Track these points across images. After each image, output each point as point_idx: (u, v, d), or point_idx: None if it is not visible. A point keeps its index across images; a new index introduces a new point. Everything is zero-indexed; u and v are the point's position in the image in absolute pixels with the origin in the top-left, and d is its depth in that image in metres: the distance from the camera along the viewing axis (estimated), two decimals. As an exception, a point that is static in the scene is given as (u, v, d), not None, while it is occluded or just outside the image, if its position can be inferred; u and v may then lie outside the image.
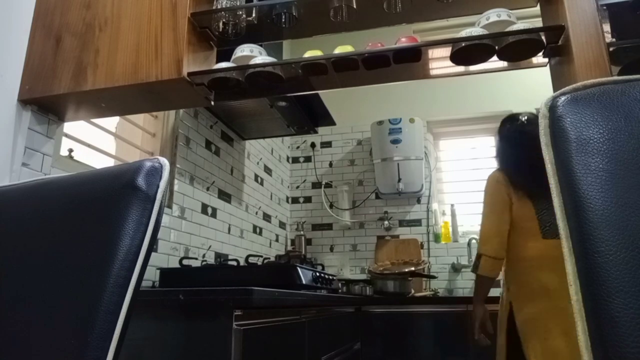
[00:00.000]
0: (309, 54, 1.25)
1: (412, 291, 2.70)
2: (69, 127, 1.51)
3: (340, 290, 2.47)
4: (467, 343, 2.36)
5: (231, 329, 1.10)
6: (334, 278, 2.13)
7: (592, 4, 1.02)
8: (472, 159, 3.41)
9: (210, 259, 2.21)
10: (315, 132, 2.73)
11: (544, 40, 1.10)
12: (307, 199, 3.50)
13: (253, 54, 1.25)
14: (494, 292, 3.01)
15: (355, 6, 1.22)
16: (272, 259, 2.09)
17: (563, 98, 0.49)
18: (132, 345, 1.16)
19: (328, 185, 3.48)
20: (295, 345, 1.53)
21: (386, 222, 3.25)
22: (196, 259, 2.04)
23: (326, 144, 3.57)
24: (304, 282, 1.65)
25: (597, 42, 0.99)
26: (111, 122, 1.84)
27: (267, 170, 3.09)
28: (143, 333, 1.16)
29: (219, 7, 1.25)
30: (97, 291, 0.55)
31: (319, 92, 1.53)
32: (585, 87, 0.48)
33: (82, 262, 0.60)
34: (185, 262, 1.85)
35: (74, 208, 0.66)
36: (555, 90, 1.08)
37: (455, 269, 3.09)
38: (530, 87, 3.03)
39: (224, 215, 2.40)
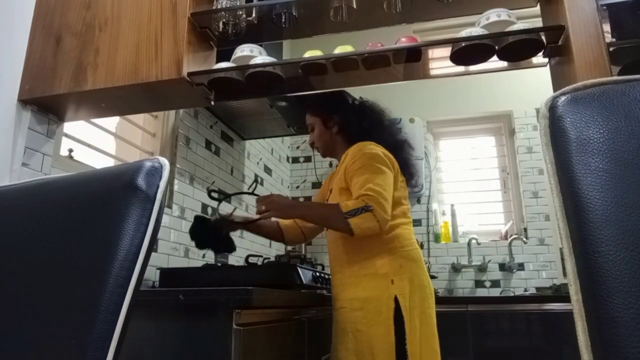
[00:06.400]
0: (309, 54, 1.25)
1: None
2: (69, 127, 1.51)
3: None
4: (467, 343, 2.37)
5: (231, 329, 1.10)
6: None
7: (592, 4, 1.02)
8: (472, 159, 3.41)
9: (211, 259, 2.21)
10: (316, 132, 2.72)
11: (544, 40, 1.10)
12: (307, 199, 3.50)
13: (253, 54, 1.25)
14: (495, 292, 3.03)
15: (355, 6, 1.22)
16: (272, 259, 2.09)
17: (563, 98, 0.49)
18: (132, 345, 1.16)
19: (328, 185, 3.48)
20: (295, 345, 1.53)
21: (386, 222, 3.25)
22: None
23: (326, 144, 3.56)
24: (304, 282, 1.65)
25: (597, 42, 0.99)
26: (111, 122, 1.84)
27: (267, 170, 3.09)
28: (143, 333, 1.16)
29: (219, 7, 1.25)
30: (97, 291, 0.55)
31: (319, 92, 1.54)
32: (586, 87, 0.48)
33: (82, 262, 0.60)
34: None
35: (74, 208, 0.66)
36: (555, 90, 1.08)
37: (455, 269, 3.09)
38: (530, 87, 3.04)
39: (224, 215, 2.40)
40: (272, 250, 2.96)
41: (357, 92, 1.73)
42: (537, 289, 2.83)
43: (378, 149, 1.56)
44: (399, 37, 1.23)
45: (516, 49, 1.11)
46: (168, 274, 1.70)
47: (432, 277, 2.96)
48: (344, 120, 1.68)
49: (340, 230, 1.46)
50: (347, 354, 1.45)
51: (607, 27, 1.02)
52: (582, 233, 0.42)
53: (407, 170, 1.64)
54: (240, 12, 1.27)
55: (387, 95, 1.75)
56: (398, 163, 1.59)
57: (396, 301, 1.42)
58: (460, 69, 1.23)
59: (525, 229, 3.09)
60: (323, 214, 1.54)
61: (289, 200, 1.66)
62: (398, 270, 1.47)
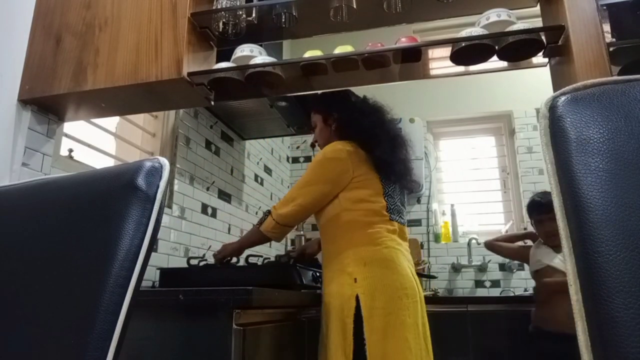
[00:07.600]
0: (309, 54, 1.25)
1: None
2: (69, 127, 1.51)
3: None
4: (467, 343, 2.37)
5: (231, 329, 1.10)
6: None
7: (592, 4, 1.02)
8: (472, 159, 3.41)
9: (210, 259, 2.20)
10: (315, 132, 2.72)
11: (544, 40, 1.10)
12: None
13: (253, 54, 1.25)
14: (495, 292, 3.03)
15: (355, 6, 1.22)
16: (272, 259, 2.09)
17: (563, 98, 0.49)
18: (132, 345, 1.16)
19: (328, 185, 3.47)
20: (295, 345, 1.53)
21: (386, 222, 3.25)
22: (197, 257, 2.04)
23: (326, 144, 3.56)
24: (304, 282, 1.65)
25: (597, 42, 0.99)
26: (111, 122, 1.84)
27: (267, 170, 3.09)
28: (143, 333, 1.16)
29: (219, 7, 1.25)
30: (97, 291, 0.55)
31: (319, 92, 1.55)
32: (586, 87, 0.48)
33: (82, 262, 0.60)
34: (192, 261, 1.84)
35: (74, 208, 0.66)
36: (555, 90, 1.08)
37: (455, 269, 3.09)
38: (530, 87, 3.04)
39: (224, 215, 2.40)
40: (272, 250, 2.96)
41: (357, 92, 1.73)
42: (537, 289, 2.83)
43: (332, 153, 1.57)
44: (399, 37, 1.23)
45: (516, 49, 1.11)
46: (168, 274, 1.71)
47: (432, 277, 2.97)
48: (341, 117, 1.70)
49: (265, 240, 1.65)
50: (320, 345, 1.50)
51: (607, 27, 1.02)
52: (582, 233, 0.42)
53: (382, 167, 1.59)
54: (240, 12, 1.27)
55: (387, 95, 1.75)
56: (375, 161, 1.57)
57: (357, 300, 1.42)
58: (460, 69, 1.23)
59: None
60: (249, 236, 1.73)
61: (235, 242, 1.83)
62: (362, 269, 1.46)
